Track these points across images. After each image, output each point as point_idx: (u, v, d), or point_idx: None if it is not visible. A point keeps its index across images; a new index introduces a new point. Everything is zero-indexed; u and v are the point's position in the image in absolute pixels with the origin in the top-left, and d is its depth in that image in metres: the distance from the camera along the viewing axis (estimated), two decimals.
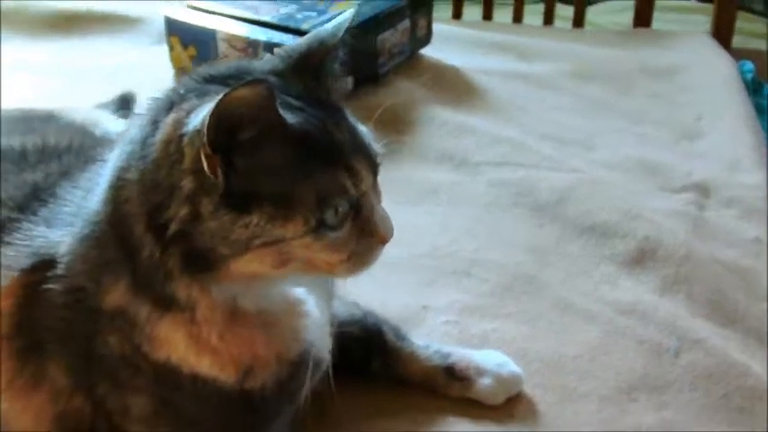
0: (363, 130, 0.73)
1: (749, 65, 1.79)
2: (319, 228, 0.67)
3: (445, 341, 1.00)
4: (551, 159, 1.37)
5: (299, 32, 1.50)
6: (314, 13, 1.57)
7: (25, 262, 0.76)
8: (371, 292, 1.07)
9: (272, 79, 0.71)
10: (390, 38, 1.61)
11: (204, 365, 0.73)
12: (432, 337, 1.01)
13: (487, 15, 2.14)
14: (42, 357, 0.76)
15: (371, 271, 1.11)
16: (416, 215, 1.26)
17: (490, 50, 1.77)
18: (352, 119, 0.73)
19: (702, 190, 1.30)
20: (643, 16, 1.98)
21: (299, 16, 1.56)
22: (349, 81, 1.53)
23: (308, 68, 0.74)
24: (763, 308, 1.08)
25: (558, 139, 1.44)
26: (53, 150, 0.93)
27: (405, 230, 1.22)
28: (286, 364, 0.75)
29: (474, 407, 0.94)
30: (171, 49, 1.64)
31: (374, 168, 0.72)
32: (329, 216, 0.67)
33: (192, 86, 0.71)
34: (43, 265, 0.74)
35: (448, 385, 0.95)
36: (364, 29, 1.55)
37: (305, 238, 0.67)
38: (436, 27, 1.74)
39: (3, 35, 1.68)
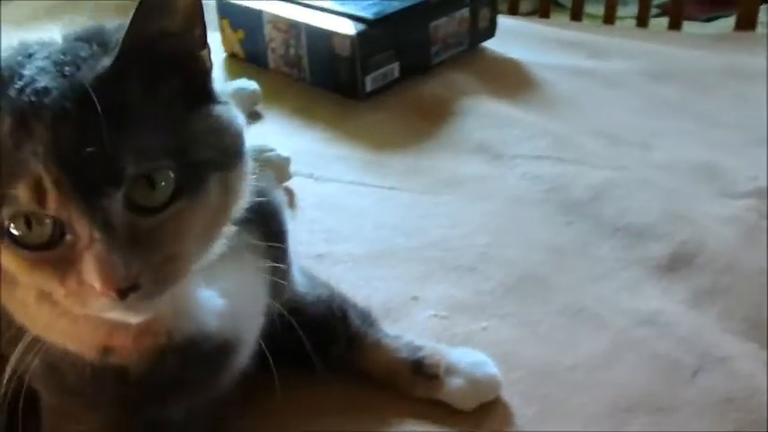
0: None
1: None
2: (3, 237, 0.55)
3: (427, 336, 0.89)
4: (596, 156, 1.23)
5: (341, 15, 1.42)
6: None
7: None
8: (361, 278, 1.00)
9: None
10: (445, 26, 1.50)
11: (59, 340, 0.64)
12: (413, 330, 0.90)
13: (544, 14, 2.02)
14: None
15: (364, 257, 1.04)
16: (434, 206, 1.15)
17: (559, 46, 1.63)
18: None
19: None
20: (745, 20, 1.79)
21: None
22: (394, 69, 1.44)
23: None
24: None
25: (612, 137, 1.29)
26: None
27: (416, 220, 1.14)
28: (151, 350, 0.66)
29: (440, 411, 0.82)
30: (222, 31, 1.60)
31: (99, 193, 0.53)
32: (17, 226, 0.55)
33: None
34: None
35: (413, 383, 0.83)
36: (414, 14, 1.46)
37: None
38: (501, 21, 1.63)
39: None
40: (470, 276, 1.00)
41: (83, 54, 0.58)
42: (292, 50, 1.48)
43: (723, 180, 1.17)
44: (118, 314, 0.57)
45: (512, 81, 1.49)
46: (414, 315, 0.94)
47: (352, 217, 1.12)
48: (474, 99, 1.41)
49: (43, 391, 0.70)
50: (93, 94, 0.53)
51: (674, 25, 1.90)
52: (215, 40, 1.62)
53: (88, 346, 0.65)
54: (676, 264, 1.00)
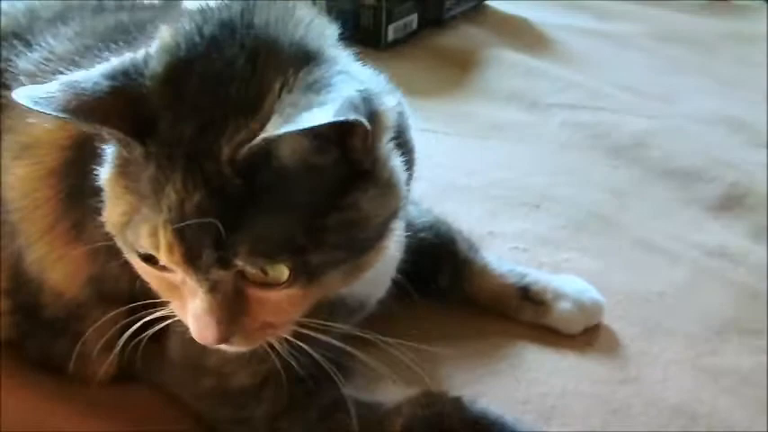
0: None
1: None
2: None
3: None
4: (630, 105, 1.28)
5: None
6: None
7: None
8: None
9: None
10: None
11: None
12: None
13: None
14: (85, 207, 0.67)
15: (430, 194, 1.04)
16: (483, 148, 1.18)
17: (562, 7, 1.68)
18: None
19: None
20: None
21: None
22: (413, 20, 1.45)
23: None
24: None
25: (636, 91, 1.34)
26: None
27: (470, 162, 1.16)
28: None
29: (547, 334, 0.84)
30: None
31: (202, 260, 0.52)
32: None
33: None
34: None
35: (521, 308, 0.85)
36: None
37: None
38: None
39: None
40: (538, 213, 1.03)
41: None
42: None
43: (750, 131, 1.23)
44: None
45: (525, 37, 1.52)
46: (495, 248, 0.95)
47: None
48: (495, 51, 1.43)
49: None
50: (228, 172, 0.51)
51: None
52: None
53: None
54: (730, 204, 1.06)
